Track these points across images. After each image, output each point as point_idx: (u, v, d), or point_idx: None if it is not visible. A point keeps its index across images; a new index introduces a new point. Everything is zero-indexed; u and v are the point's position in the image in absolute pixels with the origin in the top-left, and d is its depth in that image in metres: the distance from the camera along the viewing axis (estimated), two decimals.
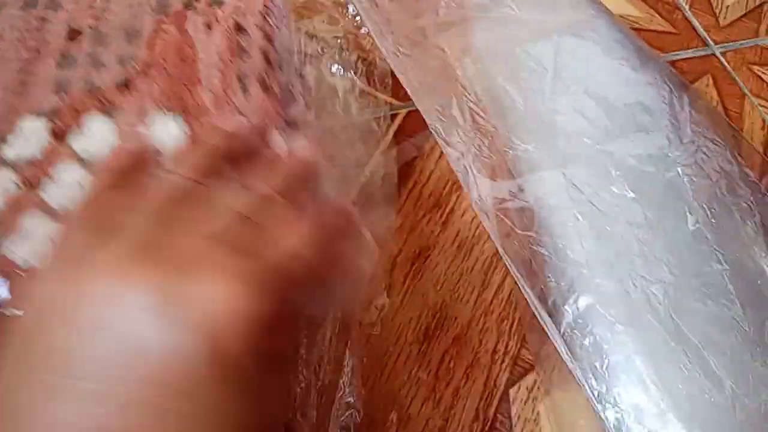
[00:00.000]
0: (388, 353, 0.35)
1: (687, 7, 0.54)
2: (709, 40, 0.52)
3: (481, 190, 0.34)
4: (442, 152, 0.41)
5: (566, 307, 0.35)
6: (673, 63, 0.50)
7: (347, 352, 0.33)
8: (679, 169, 0.35)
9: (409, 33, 0.39)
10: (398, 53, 0.37)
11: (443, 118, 0.35)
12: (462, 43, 0.37)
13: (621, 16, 0.51)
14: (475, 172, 0.34)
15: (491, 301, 0.37)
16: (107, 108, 0.31)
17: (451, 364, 0.35)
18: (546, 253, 0.35)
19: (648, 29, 0.52)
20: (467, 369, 0.35)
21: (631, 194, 0.34)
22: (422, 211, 0.39)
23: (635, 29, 0.50)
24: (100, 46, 0.32)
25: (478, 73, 0.36)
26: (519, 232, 0.34)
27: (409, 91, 0.38)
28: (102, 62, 0.31)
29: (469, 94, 0.35)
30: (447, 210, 0.39)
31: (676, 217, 0.35)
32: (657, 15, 0.53)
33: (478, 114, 0.35)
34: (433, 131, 0.37)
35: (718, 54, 0.51)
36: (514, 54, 0.36)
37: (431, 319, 0.36)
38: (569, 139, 0.34)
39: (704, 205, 0.35)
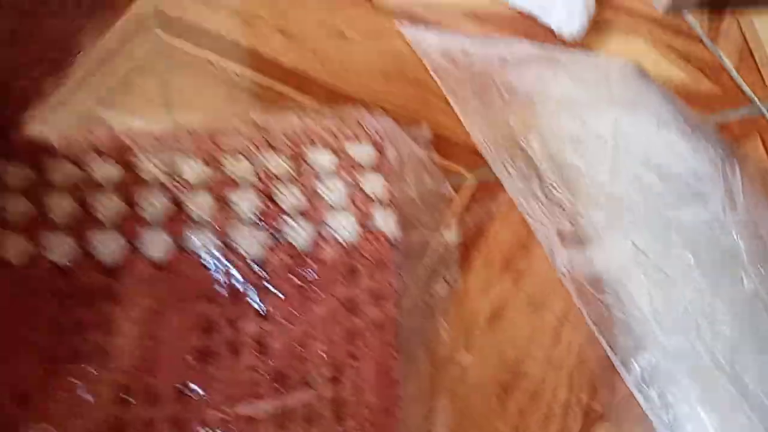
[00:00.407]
0: (471, 406, 0.38)
1: (733, 68, 0.57)
2: (756, 99, 0.55)
3: (560, 258, 0.38)
4: (510, 216, 0.45)
5: (634, 361, 0.38)
6: (721, 124, 0.53)
7: (437, 405, 0.36)
8: (734, 234, 0.39)
9: (479, 108, 0.44)
10: (479, 131, 0.41)
11: (525, 195, 0.39)
12: (527, 122, 0.42)
13: (668, 79, 0.55)
14: (554, 241, 0.38)
15: (562, 357, 0.40)
16: None
17: (528, 416, 0.38)
18: (615, 311, 0.38)
19: (695, 91, 0.55)
20: (543, 420, 0.38)
21: (691, 258, 0.38)
22: (495, 272, 0.43)
23: (682, 91, 0.54)
24: None
25: (545, 150, 0.40)
26: (592, 293, 0.37)
27: (494, 170, 0.43)
28: None
29: (541, 171, 0.39)
30: (517, 271, 0.43)
31: (733, 278, 0.38)
32: (703, 76, 0.56)
33: (551, 188, 0.39)
34: (518, 207, 0.41)
35: (765, 113, 0.54)
36: (576, 130, 0.40)
37: (508, 374, 0.39)
38: (633, 208, 0.38)
39: (759, 267, 0.38)
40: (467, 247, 0.44)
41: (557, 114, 0.41)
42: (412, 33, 0.48)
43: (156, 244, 0.37)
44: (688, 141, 0.43)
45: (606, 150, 0.40)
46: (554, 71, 0.43)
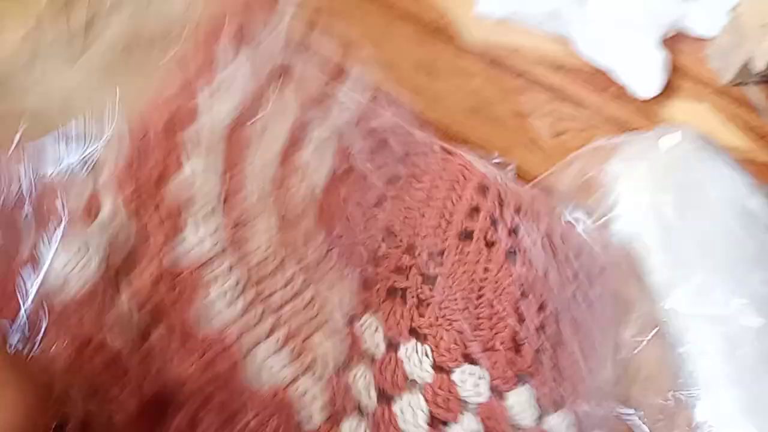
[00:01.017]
0: None
1: None
2: None
3: None
4: None
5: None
6: None
7: None
8: None
9: None
10: None
11: None
12: None
13: (731, 147, 0.57)
14: None
15: None
16: None
17: None
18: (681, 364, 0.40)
19: (754, 161, 0.58)
20: None
21: (761, 320, 0.40)
22: None
23: (743, 160, 0.56)
24: None
25: None
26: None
27: None
28: None
29: None
30: None
31: None
32: (761, 148, 0.59)
33: None
34: None
35: None
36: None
37: None
38: (703, 272, 0.40)
39: None
40: None
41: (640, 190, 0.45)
42: None
43: None
44: (758, 208, 0.45)
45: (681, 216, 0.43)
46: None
